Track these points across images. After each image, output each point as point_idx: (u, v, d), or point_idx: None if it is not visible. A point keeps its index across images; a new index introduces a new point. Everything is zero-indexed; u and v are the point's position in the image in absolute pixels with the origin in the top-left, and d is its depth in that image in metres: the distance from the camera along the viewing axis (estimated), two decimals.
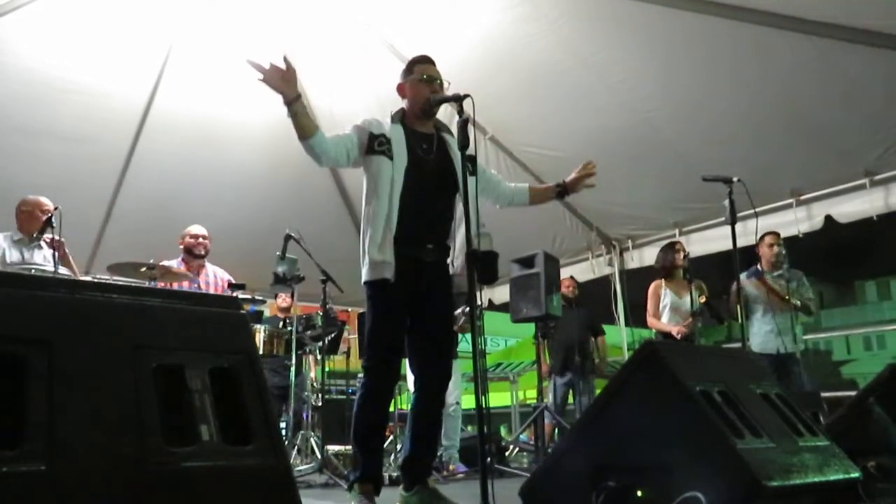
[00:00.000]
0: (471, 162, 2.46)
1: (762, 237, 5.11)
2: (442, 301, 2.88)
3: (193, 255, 4.76)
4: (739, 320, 4.21)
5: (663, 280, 5.42)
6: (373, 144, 2.80)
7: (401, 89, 2.96)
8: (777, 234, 5.16)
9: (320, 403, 5.64)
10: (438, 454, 5.04)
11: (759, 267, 5.21)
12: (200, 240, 4.78)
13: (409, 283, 2.74)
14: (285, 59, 2.61)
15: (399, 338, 2.80)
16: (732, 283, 4.71)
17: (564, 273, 6.26)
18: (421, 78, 2.87)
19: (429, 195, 2.80)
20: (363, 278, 2.78)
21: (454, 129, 2.59)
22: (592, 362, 6.44)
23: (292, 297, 4.99)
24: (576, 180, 3.08)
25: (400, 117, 2.91)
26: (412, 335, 2.84)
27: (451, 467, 5.13)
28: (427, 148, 2.86)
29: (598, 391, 6.84)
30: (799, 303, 5.02)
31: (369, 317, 2.79)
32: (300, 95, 2.65)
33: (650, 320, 5.43)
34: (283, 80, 2.61)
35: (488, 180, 3.08)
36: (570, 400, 6.51)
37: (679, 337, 5.11)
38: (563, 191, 3.10)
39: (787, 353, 5.00)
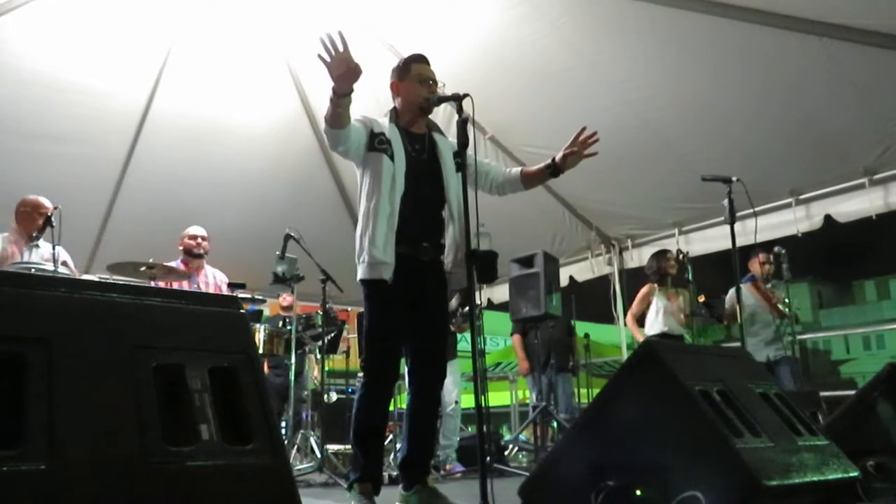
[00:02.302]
0: (460, 156, 2.40)
1: (756, 254, 5.19)
2: (437, 300, 2.88)
3: (192, 255, 4.78)
4: (738, 321, 4.23)
5: (656, 285, 5.46)
6: (373, 142, 2.79)
7: (395, 88, 2.93)
8: (768, 254, 5.23)
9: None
10: (436, 453, 5.05)
11: (753, 276, 5.33)
12: (199, 240, 4.81)
13: (407, 282, 2.73)
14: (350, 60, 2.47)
15: (397, 337, 2.79)
16: (731, 285, 4.75)
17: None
18: (418, 78, 2.86)
19: (423, 195, 2.80)
20: (360, 276, 2.76)
21: (454, 129, 2.57)
22: (567, 360, 6.44)
23: (292, 293, 4.99)
24: (565, 157, 2.87)
25: (394, 117, 2.90)
26: (408, 335, 2.83)
27: (447, 466, 5.14)
28: (419, 149, 2.87)
29: (593, 390, 6.88)
30: (787, 310, 5.18)
31: (367, 317, 2.79)
32: (353, 91, 2.54)
33: (629, 320, 5.47)
34: (348, 73, 2.48)
35: (479, 172, 2.95)
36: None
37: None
38: (555, 169, 2.92)
39: (780, 358, 5.11)
